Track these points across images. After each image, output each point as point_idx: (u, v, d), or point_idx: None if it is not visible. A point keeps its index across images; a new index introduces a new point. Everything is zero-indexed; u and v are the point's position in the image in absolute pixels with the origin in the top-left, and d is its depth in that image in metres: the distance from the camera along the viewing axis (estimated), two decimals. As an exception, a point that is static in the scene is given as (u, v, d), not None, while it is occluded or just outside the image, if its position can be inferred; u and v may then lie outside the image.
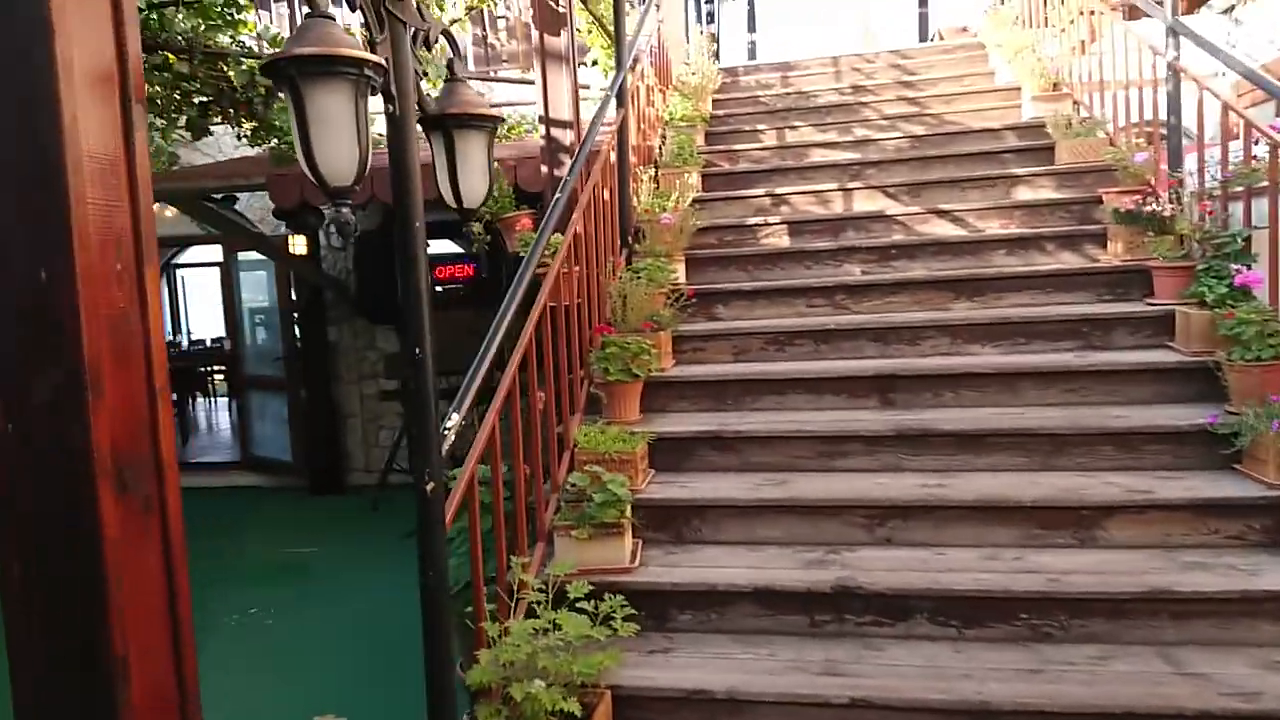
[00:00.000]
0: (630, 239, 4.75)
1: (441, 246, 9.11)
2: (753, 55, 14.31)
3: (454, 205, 2.16)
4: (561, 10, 4.32)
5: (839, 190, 5.36)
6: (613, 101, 4.50)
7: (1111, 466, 3.19)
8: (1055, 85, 5.81)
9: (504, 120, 6.34)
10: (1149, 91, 4.64)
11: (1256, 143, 3.56)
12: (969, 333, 3.95)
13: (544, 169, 4.45)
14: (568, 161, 4.25)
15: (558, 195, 3.41)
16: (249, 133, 5.16)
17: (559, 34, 4.29)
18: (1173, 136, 4.26)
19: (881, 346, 4.03)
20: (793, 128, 6.45)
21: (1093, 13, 5.53)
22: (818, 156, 6.00)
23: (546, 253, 3.38)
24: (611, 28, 4.79)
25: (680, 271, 4.70)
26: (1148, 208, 4.03)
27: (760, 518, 3.18)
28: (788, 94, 7.09)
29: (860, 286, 4.44)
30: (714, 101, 7.11)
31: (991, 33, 6.84)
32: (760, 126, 6.51)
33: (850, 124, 6.38)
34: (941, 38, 9.76)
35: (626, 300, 4.01)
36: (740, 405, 3.85)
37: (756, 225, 5.14)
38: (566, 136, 4.39)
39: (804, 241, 5.02)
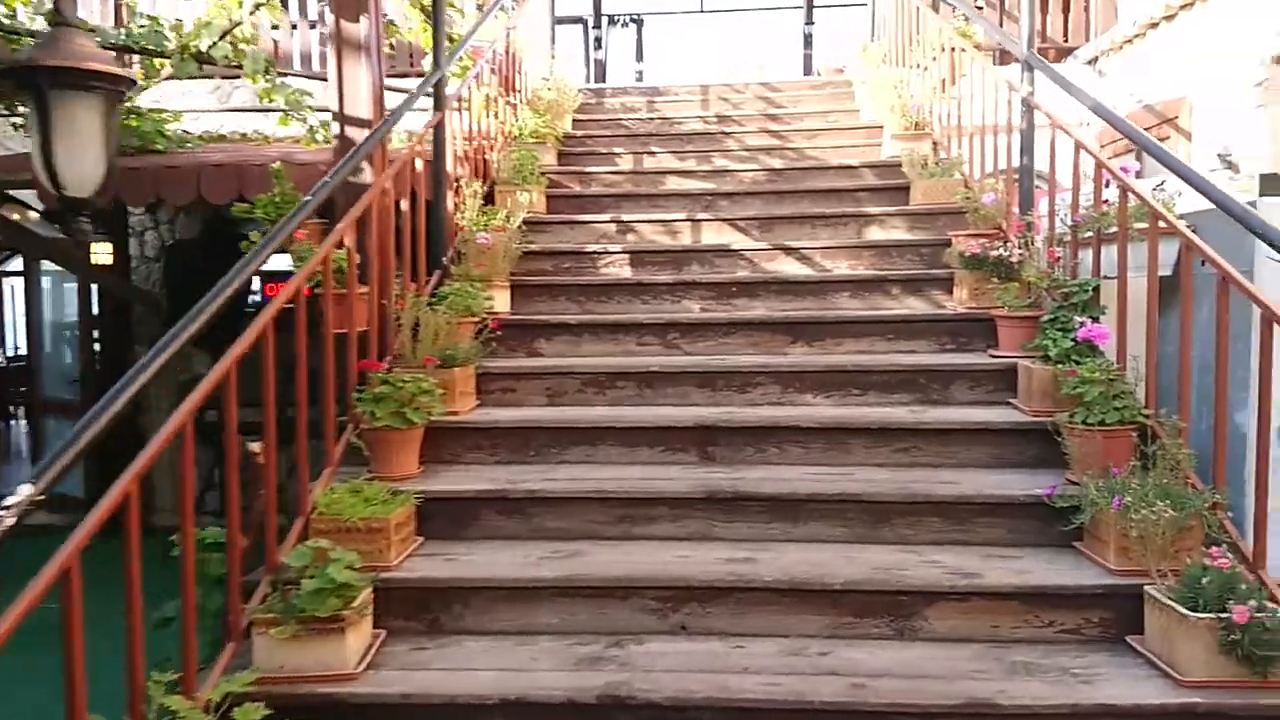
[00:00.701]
0: (446, 261, 4.19)
1: (281, 261, 8.31)
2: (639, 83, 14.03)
3: (51, 190, 1.56)
4: (363, -11, 3.76)
5: (688, 221, 4.95)
6: (424, 101, 3.96)
7: (938, 540, 2.80)
8: (916, 125, 5.60)
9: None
10: (1005, 133, 4.42)
11: (1108, 185, 3.31)
12: (802, 380, 3.54)
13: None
14: (367, 169, 3.67)
15: (305, 199, 2.82)
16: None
17: (358, 19, 3.73)
18: (1024, 178, 4.01)
19: (709, 392, 3.59)
20: (651, 154, 6.05)
21: (954, 50, 5.34)
22: (673, 184, 5.60)
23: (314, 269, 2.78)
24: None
25: (502, 300, 4.16)
26: (994, 252, 3.75)
27: (539, 601, 2.63)
28: (652, 119, 6.71)
29: (696, 325, 4.00)
30: (574, 121, 6.66)
31: (859, 70, 6.64)
32: (618, 150, 6.08)
33: (710, 153, 6.03)
34: (820, 76, 9.65)
35: (419, 331, 3.43)
36: (545, 457, 3.31)
37: (597, 253, 4.66)
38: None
39: (645, 273, 4.57)
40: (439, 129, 4.10)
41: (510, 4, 6.42)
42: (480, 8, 6.01)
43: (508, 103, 5.86)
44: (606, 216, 5.01)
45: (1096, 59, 6.83)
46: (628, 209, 5.23)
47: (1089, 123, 5.59)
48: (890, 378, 3.49)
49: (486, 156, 5.16)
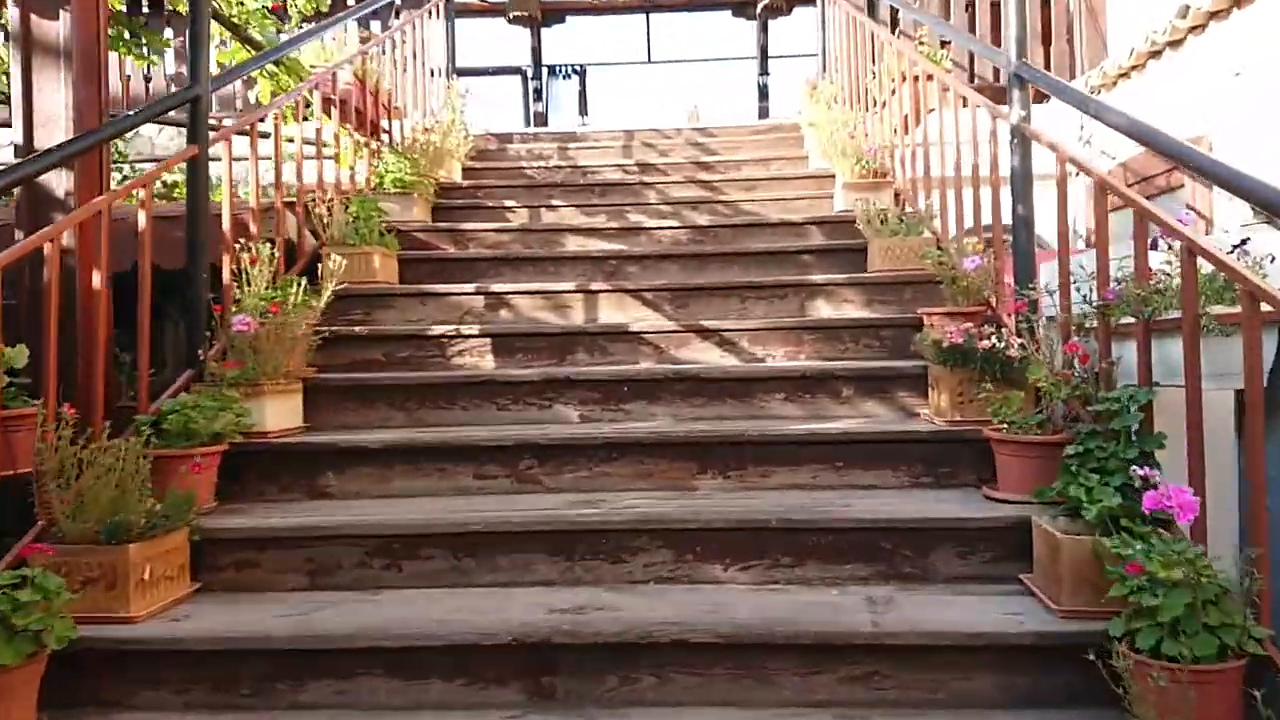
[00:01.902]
0: (206, 356, 2.91)
1: None
2: (584, 139, 13.04)
3: None
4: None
5: (579, 293, 3.77)
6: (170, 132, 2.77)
7: None
8: (875, 172, 4.51)
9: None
10: (990, 175, 3.32)
11: (1154, 246, 2.17)
12: (708, 543, 2.31)
13: (18, 234, 2.61)
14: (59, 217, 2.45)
15: None
16: None
17: (58, 15, 2.56)
18: (1020, 235, 2.88)
19: (564, 565, 2.34)
20: (551, 207, 4.90)
21: (919, 78, 4.28)
22: (573, 245, 4.44)
23: None
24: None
25: (284, 410, 2.90)
26: (983, 342, 2.58)
27: None
28: (561, 168, 5.58)
29: (564, 447, 2.77)
30: (465, 170, 5.52)
31: (808, 111, 5.58)
32: (512, 203, 4.92)
33: (624, 207, 4.88)
34: (762, 120, 8.65)
35: (82, 480, 2.15)
36: (269, 698, 2.01)
37: (447, 338, 3.44)
38: (64, 180, 2.60)
39: (511, 366, 3.37)
40: (196, 168, 2.89)
41: (394, 37, 5.31)
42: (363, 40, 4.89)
43: (364, 144, 4.69)
44: (472, 287, 3.81)
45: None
46: (507, 276, 4.05)
47: (1113, 156, 4.59)
48: (839, 539, 2.27)
49: (319, 209, 3.96)
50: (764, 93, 12.41)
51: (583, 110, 13.11)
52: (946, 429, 2.67)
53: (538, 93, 12.78)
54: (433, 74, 6.10)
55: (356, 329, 3.45)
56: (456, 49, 7.16)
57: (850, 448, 2.65)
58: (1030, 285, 2.74)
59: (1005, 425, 2.44)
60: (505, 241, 4.50)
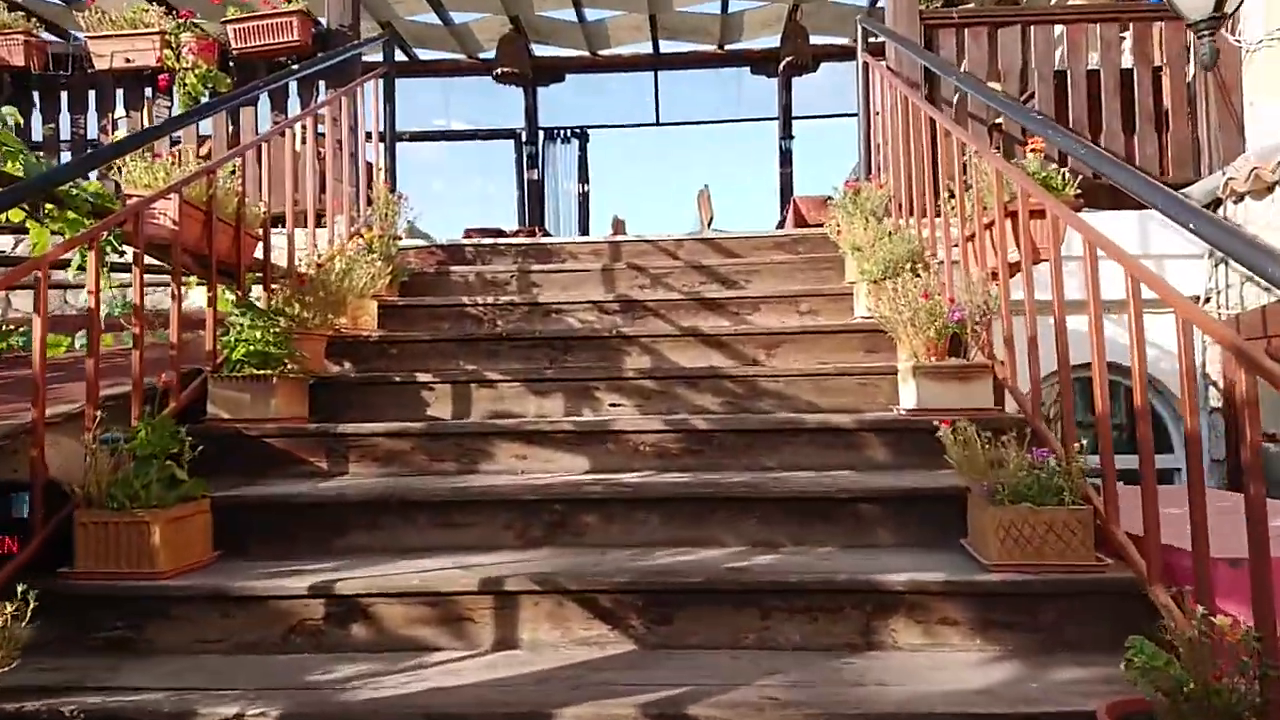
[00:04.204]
0: None
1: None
2: (585, 211, 11.67)
3: None
4: None
5: (490, 596, 2.23)
6: None
7: None
8: (953, 341, 3.00)
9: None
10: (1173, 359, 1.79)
11: None
12: None
13: None
14: None
15: None
16: None
17: None
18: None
19: None
20: (488, 383, 3.39)
21: (1020, 210, 2.74)
22: (504, 459, 2.95)
23: None
24: None
25: None
26: None
27: None
28: (515, 305, 4.09)
29: None
30: (385, 309, 4.06)
31: (849, 228, 4.06)
32: (429, 378, 3.42)
33: (591, 384, 3.37)
34: (786, 230, 7.14)
35: None
36: None
37: None
38: None
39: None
40: None
41: (291, 129, 3.89)
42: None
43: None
44: (305, 586, 2.27)
45: (1219, 202, 4.32)
46: (381, 547, 2.53)
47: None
48: None
49: (86, 436, 2.47)
50: (787, 157, 10.95)
51: (583, 178, 11.71)
52: None
53: (532, 159, 11.42)
54: (367, 171, 4.68)
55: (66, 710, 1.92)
56: (397, 126, 5.80)
57: None
58: None
59: None
60: (404, 453, 2.99)
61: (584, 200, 11.78)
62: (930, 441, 2.62)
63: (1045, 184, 2.93)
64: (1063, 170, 3.12)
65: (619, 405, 3.32)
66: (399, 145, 11.05)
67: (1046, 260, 2.82)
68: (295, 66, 4.44)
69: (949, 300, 3.05)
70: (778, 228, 7.69)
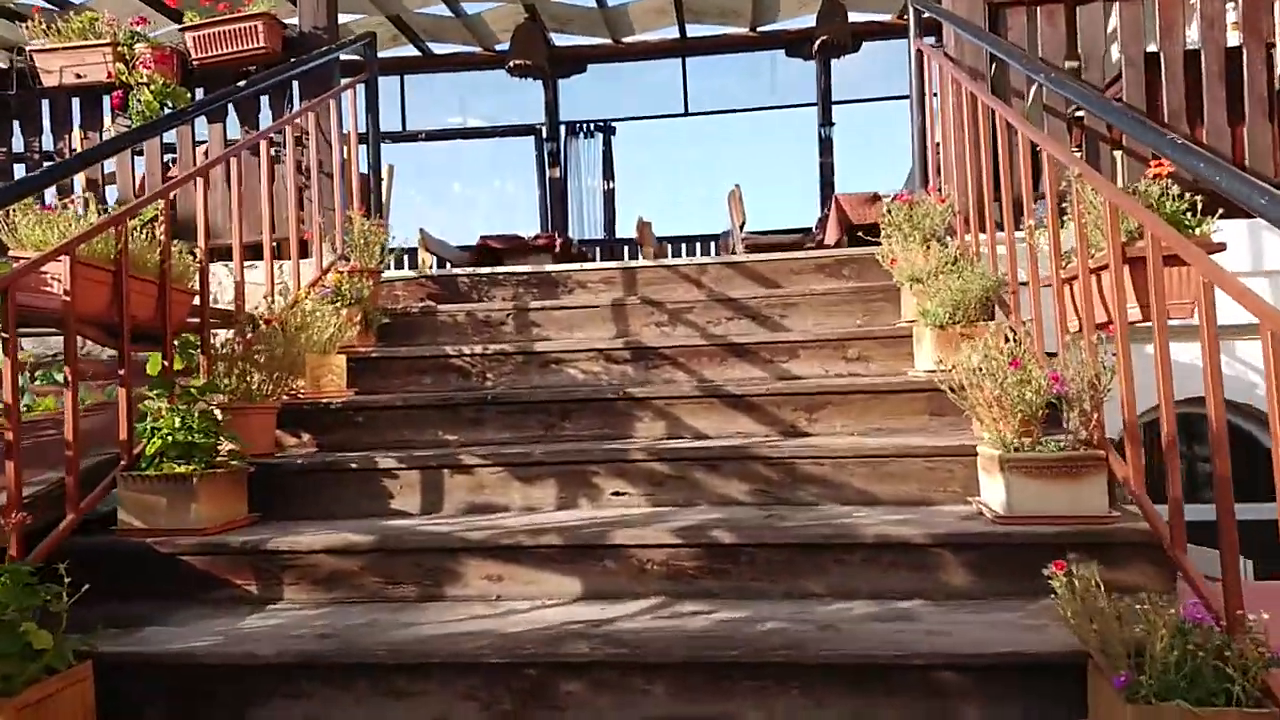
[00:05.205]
0: None
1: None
2: (611, 209, 10.98)
3: None
4: None
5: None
6: None
7: None
8: (1046, 419, 2.30)
9: None
10: None
11: None
12: None
13: None
14: None
15: None
16: None
17: None
18: None
19: None
20: (464, 468, 2.77)
21: (1130, 258, 2.04)
22: (476, 584, 2.32)
23: None
24: None
25: None
26: None
27: None
28: (508, 355, 3.46)
29: None
30: (356, 362, 3.46)
31: (905, 255, 3.35)
32: (393, 463, 2.80)
33: (590, 467, 2.72)
34: (829, 249, 6.38)
35: None
36: None
37: None
38: None
39: None
40: None
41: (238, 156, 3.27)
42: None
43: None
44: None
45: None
46: (307, 711, 1.93)
47: None
48: None
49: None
50: (827, 146, 10.15)
51: (608, 174, 11.01)
52: None
53: (553, 155, 10.77)
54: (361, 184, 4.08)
55: None
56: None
57: None
58: None
59: None
60: (352, 574, 2.38)
61: (609, 197, 11.10)
62: (1028, 560, 1.97)
63: (1174, 220, 2.20)
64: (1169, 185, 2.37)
65: (623, 495, 2.68)
66: (413, 147, 10.60)
67: (1179, 318, 2.12)
68: (241, 83, 3.83)
69: (1040, 365, 2.34)
70: (817, 227, 6.96)
